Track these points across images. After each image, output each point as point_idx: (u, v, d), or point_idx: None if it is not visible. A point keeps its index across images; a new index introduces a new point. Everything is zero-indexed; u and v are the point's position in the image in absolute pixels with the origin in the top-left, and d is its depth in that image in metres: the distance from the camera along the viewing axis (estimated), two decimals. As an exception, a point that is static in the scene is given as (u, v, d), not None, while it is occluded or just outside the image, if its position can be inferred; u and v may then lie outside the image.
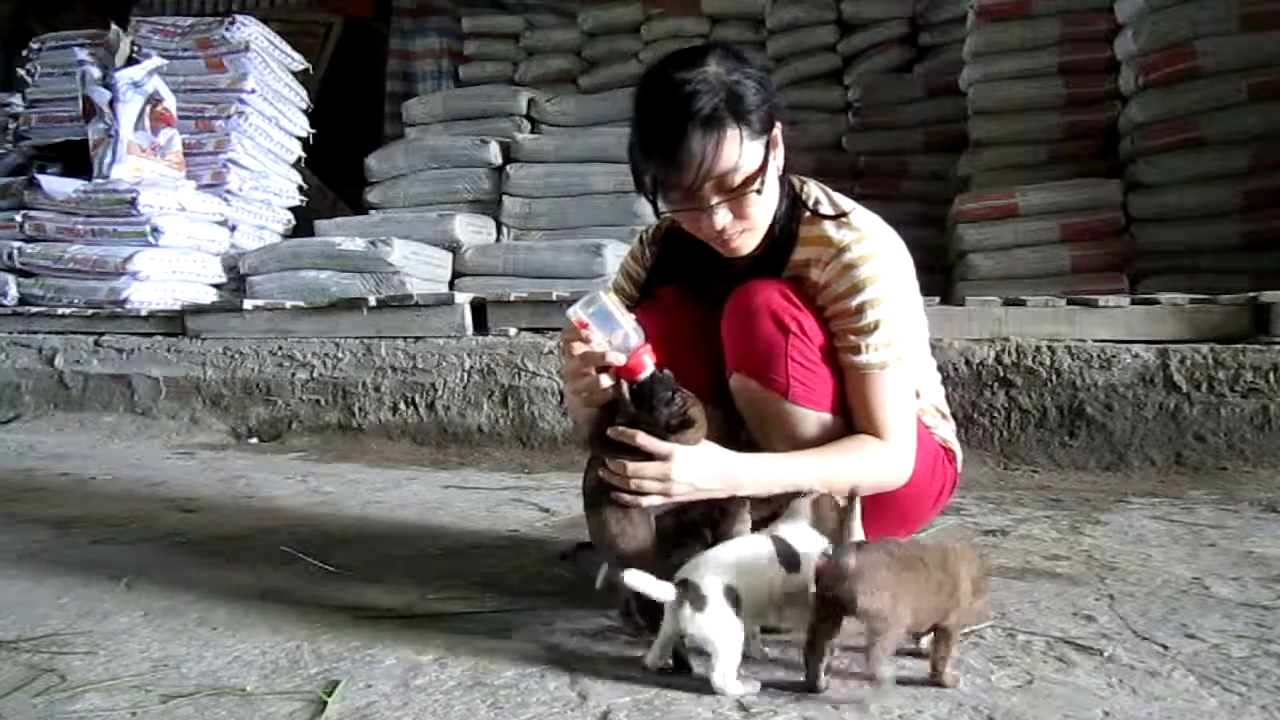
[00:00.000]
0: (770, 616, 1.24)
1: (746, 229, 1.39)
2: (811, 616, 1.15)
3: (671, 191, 1.35)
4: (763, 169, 1.33)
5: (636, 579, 1.17)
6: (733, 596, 1.16)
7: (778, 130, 1.37)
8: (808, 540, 1.26)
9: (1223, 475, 2.49)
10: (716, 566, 1.19)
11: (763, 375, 1.39)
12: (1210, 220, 3.81)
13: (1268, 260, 3.61)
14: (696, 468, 1.30)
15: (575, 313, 1.31)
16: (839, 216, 1.42)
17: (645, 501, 1.30)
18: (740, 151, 1.30)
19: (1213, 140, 3.82)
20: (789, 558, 1.23)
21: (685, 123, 1.27)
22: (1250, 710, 1.12)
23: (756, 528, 1.37)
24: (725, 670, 1.16)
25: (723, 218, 1.36)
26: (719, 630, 1.15)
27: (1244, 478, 2.46)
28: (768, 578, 1.21)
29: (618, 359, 1.30)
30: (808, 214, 1.44)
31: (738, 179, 1.32)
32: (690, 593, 1.16)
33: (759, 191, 1.34)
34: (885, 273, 1.39)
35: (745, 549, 1.24)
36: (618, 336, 1.30)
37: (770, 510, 1.36)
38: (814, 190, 1.47)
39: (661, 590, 1.17)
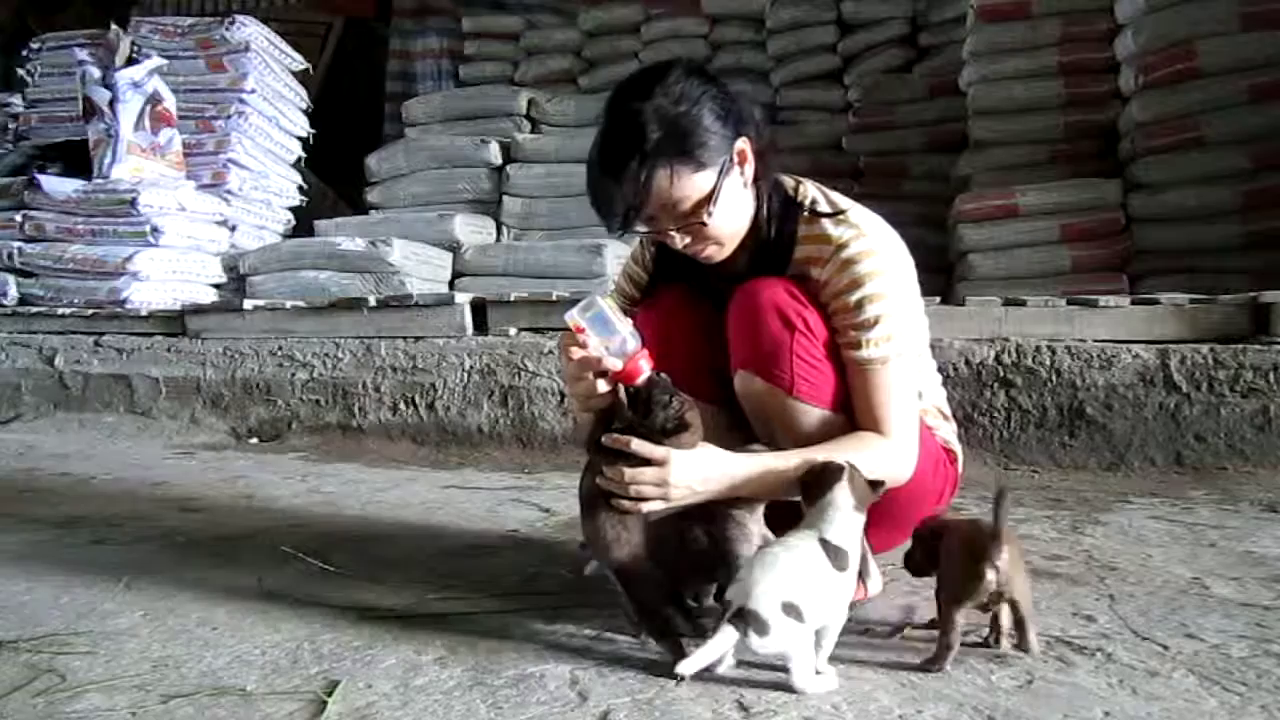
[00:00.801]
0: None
1: (713, 244, 1.41)
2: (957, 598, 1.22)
3: (614, 220, 1.37)
4: (711, 196, 1.35)
5: (697, 663, 1.13)
6: (793, 610, 1.14)
7: (744, 145, 1.39)
8: (849, 530, 1.23)
9: (1223, 475, 2.49)
10: (769, 586, 1.15)
11: (768, 372, 1.40)
12: (1210, 220, 3.81)
13: (1268, 260, 3.61)
14: (694, 471, 1.30)
15: (572, 317, 1.32)
16: (837, 214, 1.42)
17: (645, 507, 1.29)
18: (677, 185, 1.33)
19: (1213, 140, 3.82)
20: (838, 558, 1.21)
21: (625, 157, 1.31)
22: (1250, 710, 1.12)
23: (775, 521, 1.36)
24: (801, 672, 1.16)
25: (680, 239, 1.39)
26: (787, 643, 1.14)
27: (1244, 478, 2.46)
28: (823, 581, 1.19)
29: (614, 364, 1.30)
30: (806, 213, 1.44)
31: (684, 207, 1.35)
32: (751, 622, 1.13)
33: (703, 222, 1.36)
34: (885, 268, 1.39)
35: (795, 559, 1.19)
36: (615, 341, 1.30)
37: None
38: (810, 190, 1.47)
39: (725, 640, 1.13)
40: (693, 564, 1.36)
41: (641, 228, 1.41)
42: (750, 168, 1.41)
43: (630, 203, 1.34)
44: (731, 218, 1.41)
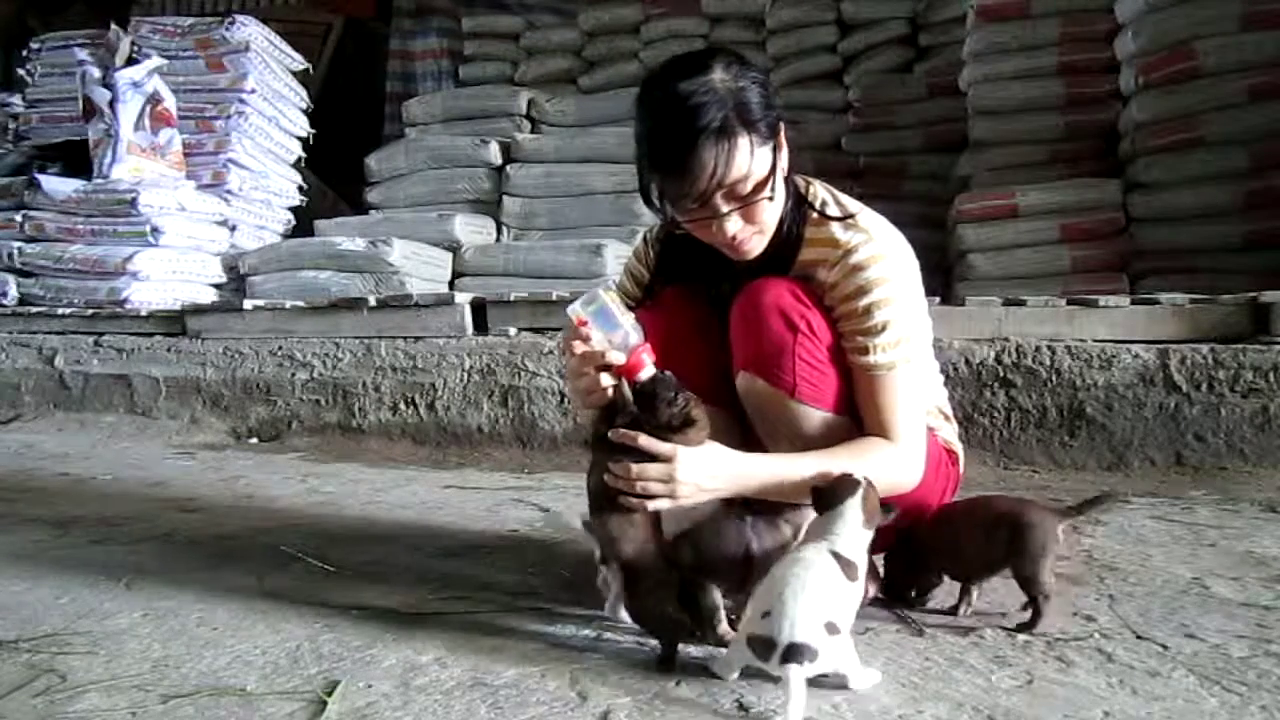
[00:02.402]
0: None
1: (757, 233, 1.39)
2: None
3: (682, 202, 1.34)
4: (772, 173, 1.34)
5: None
6: (833, 627, 1.14)
7: (782, 132, 1.37)
8: (858, 545, 1.23)
9: (1223, 475, 2.49)
10: (807, 612, 1.13)
11: (770, 373, 1.39)
12: (1210, 220, 3.81)
13: (1268, 260, 3.61)
14: (701, 468, 1.29)
15: (575, 310, 1.31)
16: (846, 218, 1.41)
17: (652, 505, 1.28)
18: (751, 160, 1.30)
19: (1213, 140, 3.82)
20: (849, 569, 1.21)
21: (696, 136, 1.27)
22: (1250, 710, 1.12)
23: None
24: (855, 674, 1.17)
25: (734, 225, 1.35)
26: (835, 659, 1.15)
27: (1244, 478, 2.46)
28: (843, 591, 1.20)
29: (617, 358, 1.29)
30: (815, 215, 1.43)
31: (749, 186, 1.33)
32: (805, 655, 1.11)
33: (770, 197, 1.35)
34: (893, 274, 1.38)
35: (818, 576, 1.18)
36: (617, 336, 1.30)
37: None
38: (820, 191, 1.46)
39: (799, 689, 1.09)
40: (742, 565, 1.35)
41: (698, 214, 1.35)
42: (785, 154, 1.39)
43: (706, 183, 1.29)
44: (780, 203, 1.39)
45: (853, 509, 1.24)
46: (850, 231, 1.40)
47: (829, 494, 1.26)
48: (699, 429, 1.30)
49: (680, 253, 1.53)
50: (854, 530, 1.23)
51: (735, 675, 1.20)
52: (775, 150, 1.34)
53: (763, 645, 1.13)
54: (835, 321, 1.40)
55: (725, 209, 1.34)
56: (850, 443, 1.38)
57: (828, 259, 1.40)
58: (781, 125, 1.36)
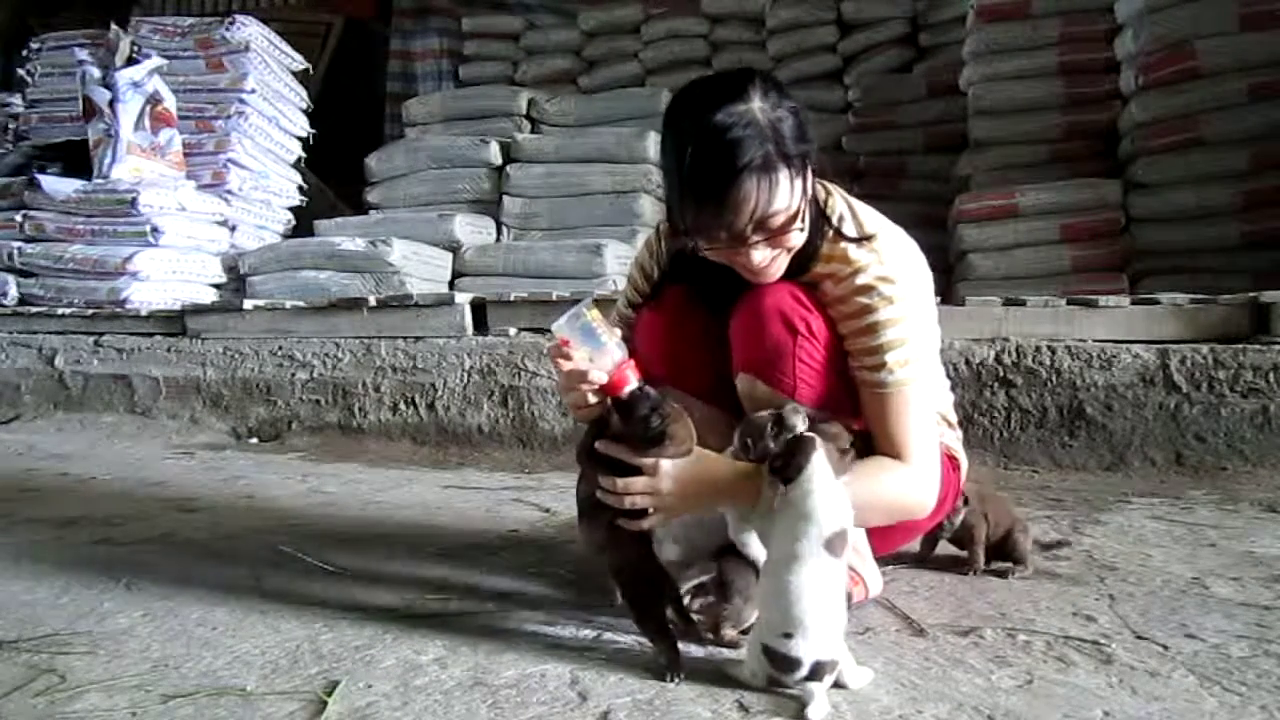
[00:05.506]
0: None
1: (781, 258, 1.37)
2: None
3: (716, 234, 1.32)
4: (804, 204, 1.32)
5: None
6: (843, 634, 1.18)
7: (812, 161, 1.35)
8: (837, 507, 1.19)
9: (1223, 475, 2.49)
10: (827, 631, 1.15)
11: (770, 376, 1.38)
12: (1210, 220, 3.82)
13: (1268, 260, 3.61)
14: (684, 479, 1.28)
15: (559, 329, 1.32)
16: (862, 240, 1.39)
17: (646, 523, 1.29)
18: (791, 195, 1.29)
19: (1213, 140, 3.82)
20: (836, 548, 1.19)
21: (739, 171, 1.24)
22: (1250, 710, 1.12)
23: None
24: (852, 673, 1.19)
25: (761, 254, 1.33)
26: (842, 662, 1.17)
27: (1244, 478, 2.46)
28: (840, 587, 1.20)
29: (600, 377, 1.30)
30: (831, 232, 1.40)
31: (782, 218, 1.30)
32: (827, 670, 1.15)
33: (801, 229, 1.33)
34: (902, 294, 1.36)
35: (825, 588, 1.16)
36: (600, 353, 1.30)
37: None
38: (839, 205, 1.42)
39: (822, 703, 1.12)
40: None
41: (729, 244, 1.32)
42: (812, 181, 1.36)
43: (747, 218, 1.27)
44: (805, 230, 1.36)
45: (820, 470, 1.19)
46: (864, 252, 1.38)
47: (789, 463, 1.20)
48: (678, 442, 1.28)
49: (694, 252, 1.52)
50: (828, 493, 1.19)
51: (763, 682, 1.18)
52: (805, 181, 1.32)
53: (784, 661, 1.15)
54: (842, 339, 1.39)
55: (756, 239, 1.32)
56: (863, 460, 1.34)
57: (838, 274, 1.38)
58: (812, 155, 1.33)
